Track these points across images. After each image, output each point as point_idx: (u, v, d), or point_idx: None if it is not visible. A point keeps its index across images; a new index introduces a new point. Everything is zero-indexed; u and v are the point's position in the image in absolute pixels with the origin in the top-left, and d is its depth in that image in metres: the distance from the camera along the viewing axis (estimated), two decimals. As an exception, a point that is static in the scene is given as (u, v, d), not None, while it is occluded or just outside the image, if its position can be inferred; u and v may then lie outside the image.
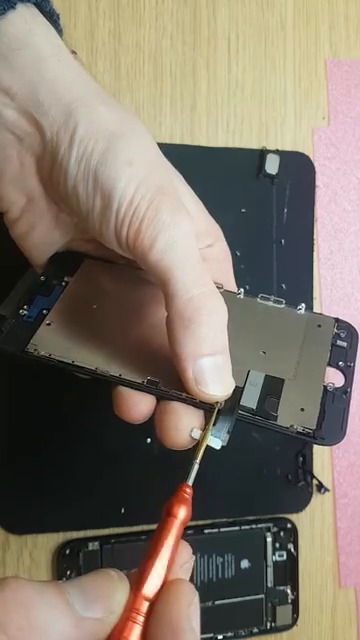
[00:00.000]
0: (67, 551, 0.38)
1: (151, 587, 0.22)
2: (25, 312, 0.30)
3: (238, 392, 0.27)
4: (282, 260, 0.42)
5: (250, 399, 0.28)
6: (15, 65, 0.26)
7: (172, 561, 0.22)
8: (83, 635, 0.19)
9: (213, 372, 0.26)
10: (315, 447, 0.43)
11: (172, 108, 0.41)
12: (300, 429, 0.27)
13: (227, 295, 0.32)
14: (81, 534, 0.39)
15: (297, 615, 0.42)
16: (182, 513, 0.23)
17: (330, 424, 0.27)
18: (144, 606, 0.21)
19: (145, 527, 0.40)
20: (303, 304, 0.32)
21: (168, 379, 0.27)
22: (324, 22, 0.44)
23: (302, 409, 0.28)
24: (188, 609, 0.21)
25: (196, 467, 0.25)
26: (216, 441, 0.26)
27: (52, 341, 0.29)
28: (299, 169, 0.43)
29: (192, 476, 0.24)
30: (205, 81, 0.42)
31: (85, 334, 0.29)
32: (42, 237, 0.30)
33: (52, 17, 0.28)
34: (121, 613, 0.21)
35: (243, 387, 0.28)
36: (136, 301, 0.31)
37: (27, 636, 0.18)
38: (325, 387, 0.28)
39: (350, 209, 0.44)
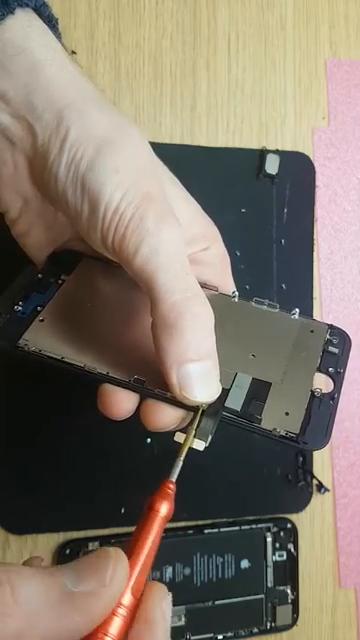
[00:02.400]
0: (67, 551, 0.38)
1: (135, 583, 0.22)
2: (20, 308, 0.30)
3: (224, 394, 0.27)
4: (282, 260, 0.42)
5: (235, 401, 0.28)
6: (11, 70, 0.26)
7: (153, 556, 0.23)
8: (74, 608, 0.20)
9: (198, 377, 0.26)
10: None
11: (172, 108, 0.41)
12: (283, 433, 0.27)
13: (221, 298, 0.32)
14: (81, 534, 0.39)
15: (297, 615, 0.42)
16: (164, 508, 0.23)
17: (315, 429, 0.27)
18: (128, 601, 0.22)
19: (145, 527, 0.40)
20: (297, 309, 0.32)
21: (154, 379, 0.27)
22: (324, 22, 0.44)
23: (287, 413, 0.28)
24: (162, 602, 0.22)
25: (180, 464, 0.25)
26: (199, 442, 0.26)
27: (43, 337, 0.29)
28: (299, 169, 0.43)
29: (176, 472, 0.25)
30: (205, 81, 0.42)
31: (76, 332, 0.29)
32: (40, 236, 0.31)
33: (50, 22, 0.28)
34: (121, 586, 0.21)
35: (229, 389, 0.28)
36: (128, 302, 0.31)
37: (13, 611, 0.19)
38: (312, 392, 0.29)
39: (350, 209, 0.44)
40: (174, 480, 0.24)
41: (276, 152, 0.42)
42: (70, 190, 0.27)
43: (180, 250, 0.26)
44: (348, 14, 0.44)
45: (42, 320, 0.30)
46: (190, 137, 0.41)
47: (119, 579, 0.21)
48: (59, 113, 0.26)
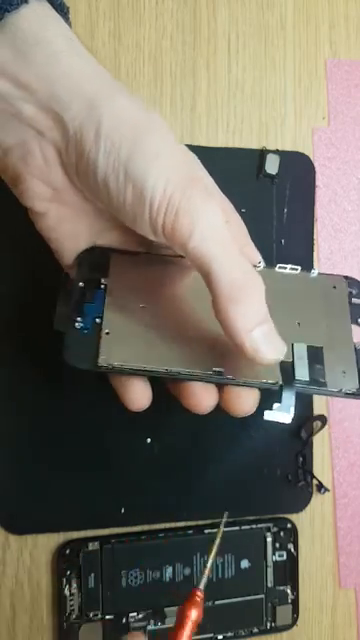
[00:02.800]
0: (67, 551, 0.38)
1: None
2: (81, 324, 0.30)
3: (290, 367, 0.30)
4: (282, 260, 0.42)
5: (302, 371, 0.30)
6: (32, 60, 0.26)
7: None
8: None
9: (266, 338, 0.28)
10: (315, 447, 0.43)
11: (172, 108, 0.41)
12: (349, 391, 0.30)
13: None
14: (81, 534, 0.39)
15: (297, 615, 0.42)
16: (194, 614, 0.28)
17: None
18: None
19: (145, 527, 0.40)
20: (316, 268, 0.34)
21: (229, 366, 0.29)
22: (324, 22, 0.44)
23: (344, 372, 0.30)
24: None
25: (207, 574, 0.29)
26: (285, 416, 0.28)
27: (117, 349, 0.29)
28: (299, 169, 0.43)
29: (203, 582, 0.29)
30: (205, 81, 0.42)
31: (142, 335, 0.30)
32: (69, 228, 0.31)
33: (62, 10, 0.28)
34: None
35: (292, 361, 0.30)
36: (177, 290, 0.31)
37: None
38: (355, 347, 0.31)
39: (350, 209, 0.44)
40: (202, 589, 0.29)
41: (276, 152, 0.42)
42: (112, 179, 0.27)
43: (226, 230, 0.27)
44: (348, 14, 0.44)
45: (108, 333, 0.29)
46: (190, 137, 0.41)
47: None
48: (88, 102, 0.26)
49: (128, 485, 0.40)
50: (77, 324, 0.30)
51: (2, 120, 0.28)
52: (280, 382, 0.29)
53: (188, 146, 0.41)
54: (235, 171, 0.42)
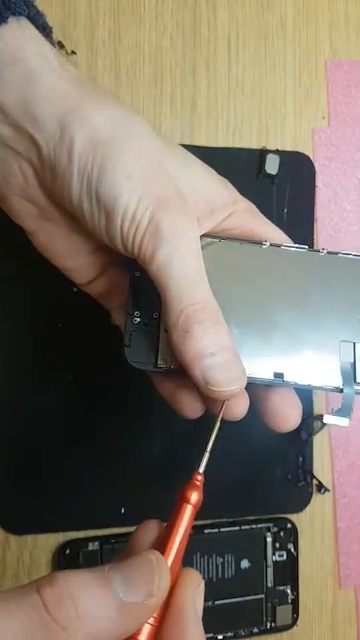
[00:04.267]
0: (67, 551, 0.38)
1: (170, 574, 0.24)
2: (138, 319, 0.29)
3: (351, 368, 0.28)
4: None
5: None
6: (6, 80, 0.26)
7: (185, 545, 0.25)
8: (127, 618, 0.21)
9: (219, 369, 0.27)
10: (315, 447, 0.43)
11: (172, 108, 0.41)
12: None
13: (284, 254, 0.30)
14: (81, 534, 0.39)
15: (297, 615, 0.42)
16: (194, 498, 0.25)
17: None
18: None
19: (145, 527, 0.40)
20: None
21: (290, 368, 0.28)
22: (324, 22, 0.44)
23: None
24: (193, 592, 0.24)
25: (207, 456, 0.26)
26: (343, 420, 0.27)
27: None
28: (299, 169, 0.43)
29: (203, 464, 0.26)
30: (205, 81, 0.42)
31: None
32: (61, 246, 0.30)
33: (45, 30, 0.28)
34: (164, 595, 0.23)
35: (354, 362, 0.29)
36: (249, 272, 0.30)
37: (77, 625, 0.20)
38: None
39: (350, 209, 0.44)
40: (202, 472, 0.26)
41: (276, 152, 0.42)
42: (86, 201, 0.27)
43: (193, 255, 0.27)
44: (348, 14, 0.44)
45: (166, 331, 0.28)
46: (190, 137, 0.41)
47: (163, 588, 0.22)
48: (60, 122, 0.26)
49: (128, 485, 0.40)
50: (135, 319, 0.29)
51: None
52: (341, 386, 0.28)
53: (188, 146, 0.41)
54: (235, 171, 0.41)
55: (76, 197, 0.27)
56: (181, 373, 0.28)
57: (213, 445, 0.27)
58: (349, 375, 0.28)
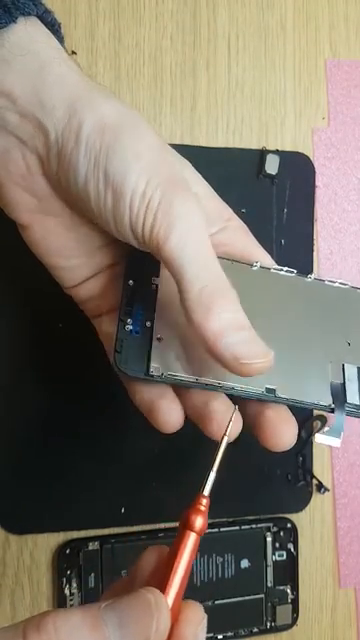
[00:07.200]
0: (67, 551, 0.38)
1: (170, 601, 0.22)
2: (130, 327, 0.28)
3: (341, 388, 0.28)
4: (282, 260, 0.42)
5: (352, 395, 0.29)
6: (17, 69, 0.26)
7: (188, 574, 0.23)
8: None
9: (245, 345, 0.26)
10: (315, 447, 0.43)
11: (172, 108, 0.41)
12: None
13: (275, 277, 0.31)
14: (81, 534, 0.39)
15: (297, 615, 0.42)
16: (198, 524, 0.23)
17: None
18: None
19: (145, 527, 0.40)
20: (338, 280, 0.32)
21: (282, 384, 0.28)
22: (324, 22, 0.44)
23: None
24: (197, 628, 0.22)
25: (212, 476, 0.25)
26: (335, 440, 0.27)
27: (168, 358, 0.28)
28: (299, 169, 0.43)
29: (209, 486, 0.24)
30: (205, 81, 0.42)
31: (195, 345, 0.28)
32: (56, 243, 0.30)
33: (53, 27, 0.28)
34: (163, 637, 0.21)
35: (344, 383, 0.29)
36: (242, 291, 0.30)
37: None
38: None
39: (350, 209, 0.44)
40: (207, 494, 0.24)
41: (276, 152, 0.42)
42: (92, 182, 0.27)
43: (205, 234, 0.27)
44: (348, 14, 0.44)
45: (159, 339, 0.28)
46: (190, 137, 0.41)
47: (162, 632, 0.21)
48: (70, 108, 0.26)
49: (128, 485, 0.40)
50: (127, 326, 0.28)
51: None
52: (332, 405, 0.28)
53: (188, 146, 0.41)
54: (235, 171, 0.42)
55: (82, 178, 0.27)
56: (172, 383, 0.28)
57: (220, 464, 0.25)
58: (339, 395, 0.29)
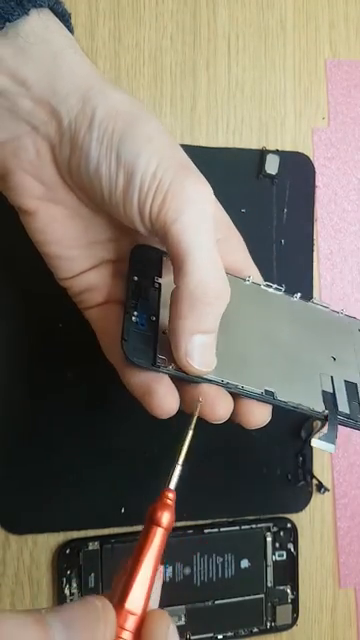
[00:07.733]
0: (67, 551, 0.38)
1: (134, 601, 0.21)
2: (136, 319, 0.29)
3: (332, 397, 0.30)
4: (282, 260, 0.42)
5: (343, 405, 0.30)
6: (31, 57, 0.26)
7: (155, 572, 0.22)
8: None
9: (202, 348, 0.27)
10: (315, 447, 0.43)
11: (172, 108, 0.41)
12: None
13: (266, 295, 0.33)
14: (81, 534, 0.39)
15: (297, 615, 0.42)
16: (165, 520, 0.23)
17: None
18: (129, 621, 0.21)
19: (145, 527, 0.40)
20: (344, 312, 0.35)
21: (280, 388, 0.29)
22: (324, 22, 0.44)
23: None
24: (167, 630, 0.21)
25: (178, 470, 0.24)
26: (330, 446, 0.28)
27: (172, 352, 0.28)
28: (299, 169, 0.43)
29: (174, 480, 0.24)
30: (205, 81, 0.42)
31: None
32: (60, 231, 0.30)
33: (64, 17, 0.29)
34: None
35: (334, 392, 0.30)
36: (234, 302, 0.30)
37: None
38: None
39: (350, 209, 0.44)
40: (173, 488, 0.24)
41: (276, 152, 0.42)
42: (104, 164, 0.27)
43: (212, 225, 0.27)
44: (348, 14, 0.44)
45: (165, 333, 0.29)
46: (190, 137, 0.41)
47: (109, 636, 0.20)
48: (84, 95, 0.27)
49: (128, 485, 0.40)
50: (133, 317, 0.29)
51: None
52: (326, 412, 0.29)
53: (188, 146, 0.41)
54: (235, 171, 0.42)
55: (94, 162, 0.27)
56: (176, 376, 0.28)
57: (185, 457, 0.25)
58: (331, 404, 0.30)
